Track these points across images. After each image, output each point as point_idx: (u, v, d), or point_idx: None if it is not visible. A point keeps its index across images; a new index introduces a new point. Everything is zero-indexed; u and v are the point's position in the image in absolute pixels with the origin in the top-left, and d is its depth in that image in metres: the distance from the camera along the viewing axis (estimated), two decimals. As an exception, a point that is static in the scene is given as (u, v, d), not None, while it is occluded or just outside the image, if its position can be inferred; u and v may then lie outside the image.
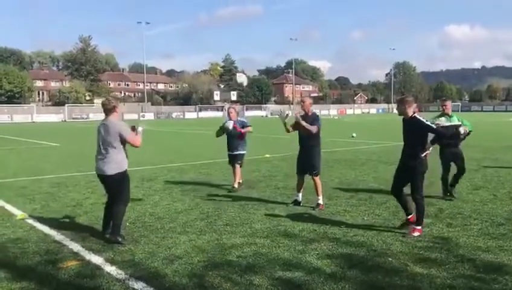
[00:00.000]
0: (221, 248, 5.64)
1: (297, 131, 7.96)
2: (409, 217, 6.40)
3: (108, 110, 6.05)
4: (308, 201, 8.06)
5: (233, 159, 9.69)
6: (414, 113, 6.22)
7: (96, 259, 5.30)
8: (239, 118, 9.80)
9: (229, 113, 9.75)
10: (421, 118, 6.13)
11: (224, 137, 9.78)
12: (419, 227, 6.11)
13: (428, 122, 6.10)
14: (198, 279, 4.67)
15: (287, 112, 8.15)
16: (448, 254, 5.34)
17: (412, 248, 5.59)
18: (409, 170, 6.23)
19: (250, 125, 9.80)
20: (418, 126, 6.10)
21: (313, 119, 7.80)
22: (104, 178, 6.06)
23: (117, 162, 5.95)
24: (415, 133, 6.14)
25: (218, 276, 4.73)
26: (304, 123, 7.66)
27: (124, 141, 5.98)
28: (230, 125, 9.42)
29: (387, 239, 5.94)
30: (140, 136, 6.19)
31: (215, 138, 10.01)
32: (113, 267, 5.02)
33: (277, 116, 8.10)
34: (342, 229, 6.43)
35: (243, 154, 9.74)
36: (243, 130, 9.56)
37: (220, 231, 6.43)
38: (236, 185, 9.60)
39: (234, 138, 9.59)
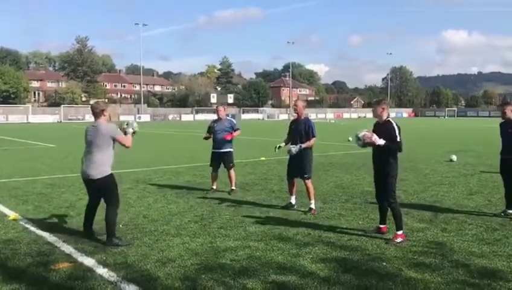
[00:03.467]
0: (214, 251, 5.60)
1: (290, 134, 7.91)
2: (382, 226, 6.42)
3: (96, 113, 6.04)
4: (303, 205, 8.04)
5: (220, 158, 9.55)
6: (388, 117, 6.20)
7: (88, 261, 5.26)
8: (227, 118, 9.75)
9: (217, 111, 9.69)
10: (394, 124, 6.06)
11: None
12: (400, 232, 6.04)
13: (397, 132, 5.97)
14: (191, 282, 4.63)
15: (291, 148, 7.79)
16: (442, 259, 5.32)
17: (406, 252, 5.57)
18: (380, 175, 6.21)
19: (239, 129, 9.75)
20: (388, 129, 6.02)
21: (305, 124, 7.75)
22: (90, 182, 6.02)
23: (102, 165, 5.90)
24: (386, 138, 6.04)
25: (211, 279, 4.69)
26: (304, 146, 7.63)
27: (114, 143, 5.97)
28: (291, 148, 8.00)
29: (382, 243, 5.92)
30: (130, 137, 6.19)
31: (211, 141, 9.89)
32: (105, 270, 4.97)
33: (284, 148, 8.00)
34: (336, 233, 6.41)
35: (231, 152, 9.62)
36: (234, 134, 9.50)
37: (214, 233, 6.39)
38: (234, 187, 9.56)
39: (220, 134, 9.47)
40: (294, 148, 7.64)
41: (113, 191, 6.05)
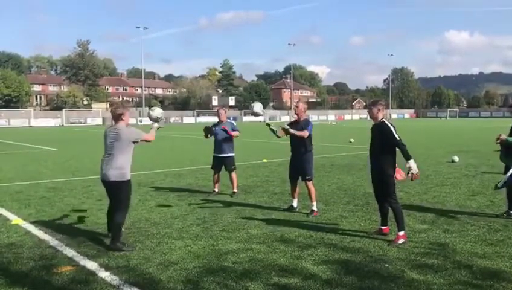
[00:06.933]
0: (216, 254, 5.60)
1: (289, 137, 7.90)
2: (384, 227, 6.41)
3: (115, 117, 6.05)
4: (305, 207, 8.04)
5: (221, 163, 9.54)
6: (383, 118, 6.21)
7: (91, 264, 5.26)
8: (228, 121, 9.74)
9: (218, 115, 9.68)
10: (389, 124, 6.07)
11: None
12: (402, 233, 6.03)
13: (394, 132, 5.98)
14: (193, 285, 4.63)
15: (267, 121, 7.84)
16: (445, 260, 5.32)
17: (408, 254, 5.57)
18: (378, 176, 6.18)
19: (239, 130, 9.73)
20: (385, 131, 6.03)
21: (304, 124, 7.74)
22: (107, 184, 6.02)
23: (122, 168, 5.91)
24: (382, 139, 6.07)
25: (213, 282, 4.69)
26: (292, 131, 7.62)
27: (134, 146, 6.07)
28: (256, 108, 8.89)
29: (384, 245, 5.91)
30: (153, 131, 6.46)
31: (212, 143, 9.89)
32: (108, 273, 4.98)
33: (262, 121, 7.98)
34: (338, 235, 6.40)
35: (232, 157, 9.60)
36: (232, 133, 9.47)
37: (216, 236, 6.39)
38: (236, 190, 9.56)
39: (222, 140, 9.50)
40: (286, 125, 7.67)
41: (127, 197, 6.03)
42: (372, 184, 6.44)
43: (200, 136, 10.25)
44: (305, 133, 7.64)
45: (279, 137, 8.02)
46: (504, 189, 7.77)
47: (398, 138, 5.98)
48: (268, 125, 8.04)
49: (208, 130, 9.68)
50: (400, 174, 6.09)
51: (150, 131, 6.43)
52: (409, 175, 5.91)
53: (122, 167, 5.92)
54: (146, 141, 6.26)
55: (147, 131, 6.42)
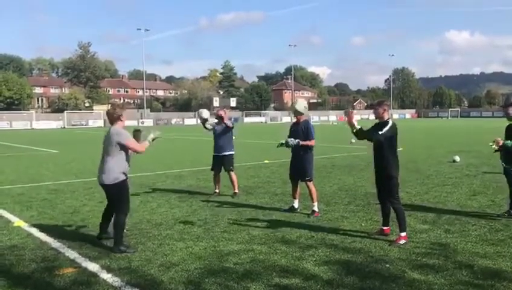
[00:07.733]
0: (218, 255, 5.61)
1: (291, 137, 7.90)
2: (385, 228, 6.42)
3: (112, 119, 6.00)
4: (306, 207, 8.05)
5: (220, 162, 9.54)
6: (389, 118, 6.21)
7: (93, 266, 5.28)
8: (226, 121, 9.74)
9: (218, 116, 9.65)
10: (390, 123, 6.08)
11: None
12: (403, 234, 6.04)
13: (387, 128, 6.00)
14: (195, 286, 4.65)
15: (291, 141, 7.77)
16: (446, 260, 5.32)
17: (409, 254, 5.57)
18: (382, 175, 6.20)
19: (233, 125, 9.71)
20: (382, 127, 6.05)
21: (304, 126, 7.76)
22: (102, 187, 6.04)
23: (112, 171, 5.86)
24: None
25: (214, 283, 4.71)
26: (302, 143, 7.64)
27: (125, 149, 5.92)
28: (204, 113, 9.60)
29: (385, 245, 5.92)
30: (146, 143, 6.18)
31: (213, 145, 9.88)
32: (109, 275, 4.99)
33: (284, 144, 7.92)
34: (339, 236, 6.41)
35: (231, 155, 9.60)
36: (227, 122, 9.45)
37: (217, 237, 6.40)
38: (237, 191, 9.56)
39: (221, 139, 9.50)
40: (292, 141, 7.65)
41: (122, 199, 5.99)
42: (376, 184, 6.44)
43: (201, 137, 10.27)
44: (313, 142, 7.75)
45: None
46: (506, 188, 7.78)
47: (381, 132, 5.97)
48: (282, 144, 7.97)
49: (204, 122, 9.70)
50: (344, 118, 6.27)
51: (143, 142, 6.18)
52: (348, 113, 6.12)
53: (112, 170, 5.85)
54: (134, 150, 5.98)
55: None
